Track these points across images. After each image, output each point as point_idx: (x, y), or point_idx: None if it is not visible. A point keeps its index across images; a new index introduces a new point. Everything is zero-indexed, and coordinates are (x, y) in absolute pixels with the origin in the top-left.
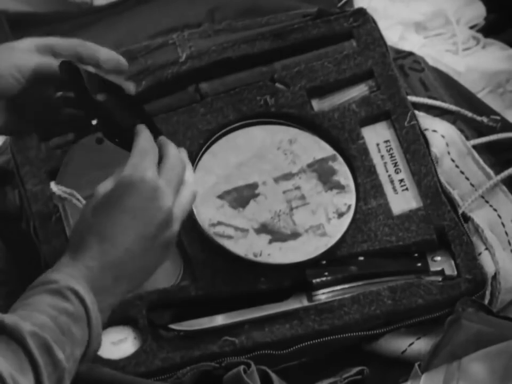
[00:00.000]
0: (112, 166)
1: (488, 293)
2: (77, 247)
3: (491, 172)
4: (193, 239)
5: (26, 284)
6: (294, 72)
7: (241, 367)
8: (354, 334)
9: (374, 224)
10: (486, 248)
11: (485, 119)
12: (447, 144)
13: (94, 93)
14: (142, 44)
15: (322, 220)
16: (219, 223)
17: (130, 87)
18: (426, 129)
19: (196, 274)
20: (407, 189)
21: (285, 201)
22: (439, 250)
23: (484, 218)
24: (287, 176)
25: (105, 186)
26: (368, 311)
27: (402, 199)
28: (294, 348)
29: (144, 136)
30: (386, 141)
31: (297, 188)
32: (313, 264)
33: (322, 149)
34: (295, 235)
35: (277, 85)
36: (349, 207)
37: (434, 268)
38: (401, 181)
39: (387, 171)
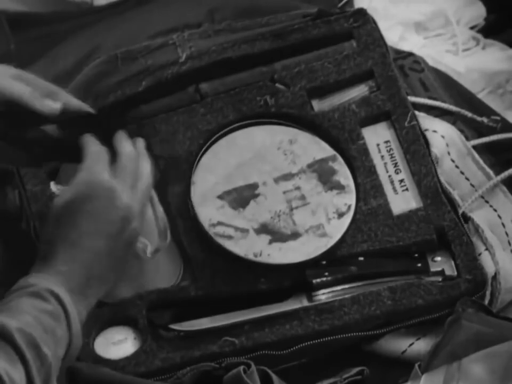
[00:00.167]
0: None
1: (488, 293)
2: (46, 255)
3: (491, 172)
4: (193, 239)
5: None
6: (294, 72)
7: (241, 368)
8: (354, 334)
9: (374, 224)
10: (486, 249)
11: (485, 120)
12: (447, 145)
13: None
14: (142, 44)
15: (322, 220)
16: (219, 223)
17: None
18: (426, 130)
19: (196, 274)
20: (407, 189)
21: (285, 202)
22: (439, 250)
23: (484, 219)
24: (287, 177)
25: (63, 197)
26: (368, 312)
27: (402, 199)
28: (294, 348)
29: (91, 142)
30: (386, 141)
31: (297, 188)
32: (313, 264)
33: (322, 149)
34: (295, 235)
35: (277, 85)
36: (349, 207)
37: (434, 268)
38: (401, 181)
39: (387, 171)
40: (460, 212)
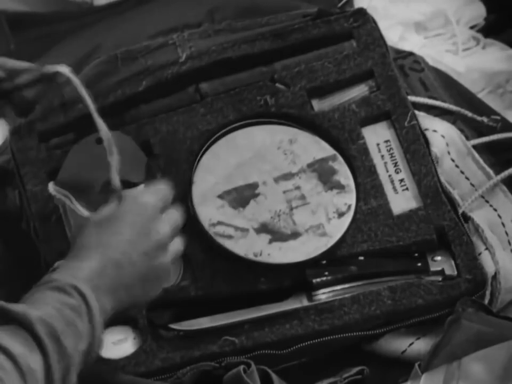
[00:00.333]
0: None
1: (488, 293)
2: (78, 254)
3: (491, 172)
4: (193, 239)
5: (26, 284)
6: (294, 72)
7: (241, 367)
8: (354, 334)
9: (374, 224)
10: (486, 248)
11: (485, 119)
12: (447, 144)
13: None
14: (142, 44)
15: (323, 220)
16: (219, 223)
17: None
18: (426, 129)
19: (196, 274)
20: (407, 188)
21: (285, 201)
22: (439, 250)
23: (484, 218)
24: (287, 176)
25: (110, 207)
26: (368, 311)
27: (403, 199)
28: (294, 347)
29: (161, 183)
30: (386, 141)
31: (297, 187)
32: (313, 264)
33: (323, 149)
34: (295, 235)
35: (277, 85)
36: (349, 207)
37: (434, 267)
38: (401, 180)
39: (387, 171)
40: (460, 211)
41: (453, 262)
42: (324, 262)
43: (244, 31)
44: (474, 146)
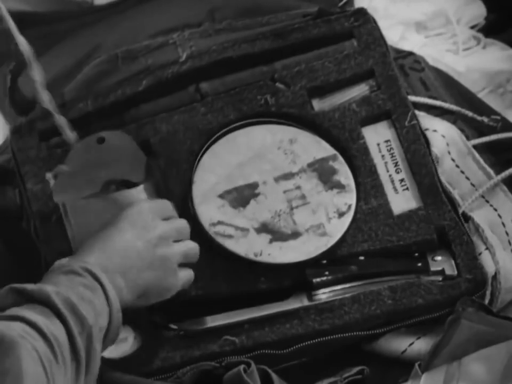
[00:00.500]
0: (113, 166)
1: (488, 292)
2: (81, 252)
3: (491, 172)
4: (194, 239)
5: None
6: (295, 71)
7: (242, 367)
8: (355, 333)
9: (375, 224)
10: (486, 248)
11: (485, 119)
12: (447, 144)
13: None
14: (143, 43)
15: (323, 220)
16: (219, 223)
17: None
18: (426, 129)
19: (196, 274)
20: (407, 188)
21: (285, 201)
22: (439, 250)
23: (484, 218)
24: (288, 176)
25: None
26: (368, 311)
27: (403, 199)
28: (294, 347)
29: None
30: (386, 141)
31: (298, 187)
32: (314, 264)
33: (323, 149)
34: (295, 235)
35: (278, 84)
36: (350, 206)
37: (434, 267)
38: (401, 180)
39: (388, 171)
40: (460, 211)
41: (453, 262)
42: (324, 261)
43: (244, 31)
44: (475, 146)
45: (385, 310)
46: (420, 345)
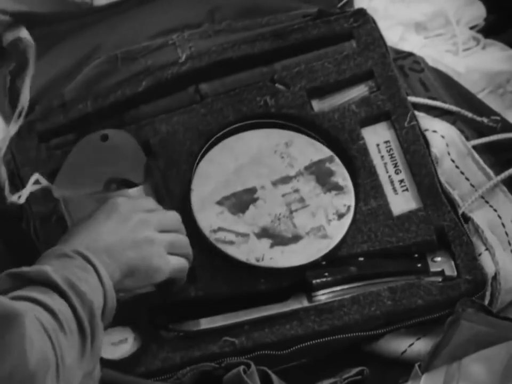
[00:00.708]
0: (115, 164)
1: (488, 293)
2: (68, 236)
3: (491, 172)
4: (194, 244)
5: None
6: (294, 72)
7: (241, 368)
8: (354, 334)
9: (374, 225)
10: (486, 249)
11: (485, 120)
12: (447, 145)
13: None
14: (142, 44)
15: (323, 222)
16: (220, 229)
17: None
18: (426, 130)
19: (196, 275)
20: (407, 189)
21: (284, 205)
22: (439, 250)
23: (484, 219)
24: (285, 179)
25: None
26: (368, 312)
27: (402, 200)
28: (294, 348)
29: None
30: (386, 142)
31: (296, 190)
32: (313, 265)
33: (319, 151)
34: (296, 238)
35: (277, 85)
36: (349, 208)
37: (434, 268)
38: (401, 181)
39: (387, 171)
40: (460, 212)
41: (453, 263)
42: (324, 263)
43: (244, 32)
44: (474, 147)
45: (385, 310)
46: (419, 346)
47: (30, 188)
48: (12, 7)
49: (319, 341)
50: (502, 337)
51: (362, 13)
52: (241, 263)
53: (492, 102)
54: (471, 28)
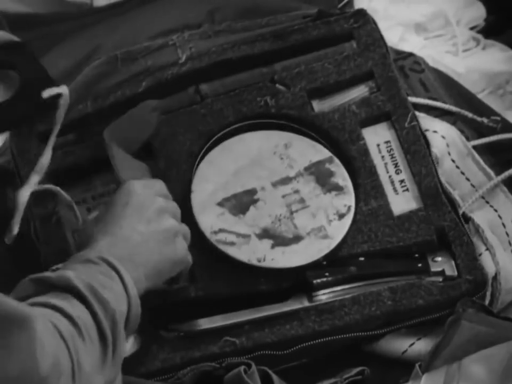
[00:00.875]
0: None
1: (488, 293)
2: (87, 243)
3: (491, 173)
4: (194, 244)
5: None
6: (294, 73)
7: (242, 368)
8: (355, 334)
9: (375, 225)
10: (487, 249)
11: (485, 120)
12: (447, 145)
13: None
14: (142, 44)
15: (323, 222)
16: (221, 231)
17: None
18: (426, 130)
19: (196, 275)
20: (407, 189)
21: (284, 206)
22: (439, 251)
23: (485, 219)
24: (285, 180)
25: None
26: (368, 312)
27: (403, 200)
28: (294, 348)
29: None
30: (386, 142)
31: (296, 191)
32: (314, 265)
33: (318, 152)
34: (297, 238)
35: (277, 86)
36: (349, 208)
37: (434, 268)
38: (401, 181)
39: (387, 172)
40: (460, 212)
41: (453, 263)
42: (325, 263)
43: (244, 32)
44: (475, 147)
45: (385, 310)
46: (420, 346)
47: (29, 190)
48: (12, 7)
49: (319, 341)
50: (502, 337)
51: (362, 13)
52: (243, 264)
53: (492, 103)
54: (471, 29)
